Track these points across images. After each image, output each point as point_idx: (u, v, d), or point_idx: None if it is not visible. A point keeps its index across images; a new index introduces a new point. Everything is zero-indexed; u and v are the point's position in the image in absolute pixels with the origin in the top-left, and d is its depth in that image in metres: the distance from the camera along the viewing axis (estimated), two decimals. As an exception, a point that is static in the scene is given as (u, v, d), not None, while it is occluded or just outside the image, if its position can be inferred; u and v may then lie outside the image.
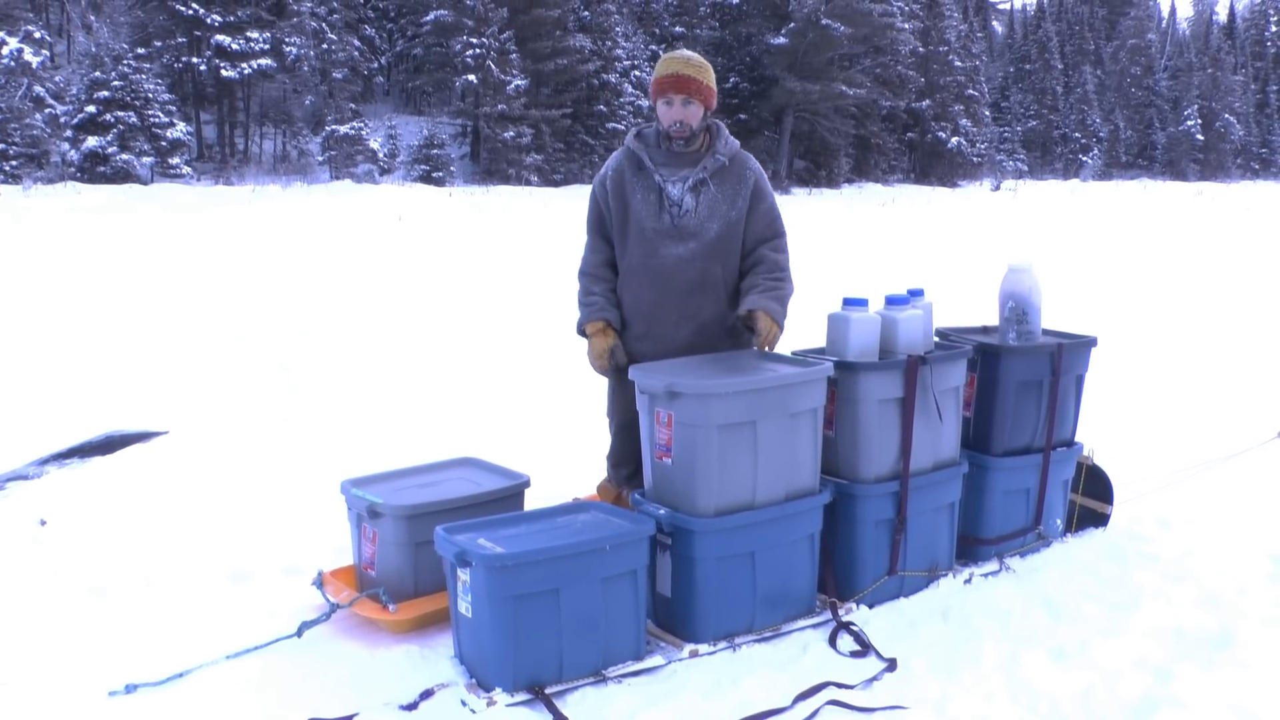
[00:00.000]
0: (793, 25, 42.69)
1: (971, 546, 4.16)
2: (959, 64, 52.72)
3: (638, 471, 3.85)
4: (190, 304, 10.45)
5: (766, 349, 3.77)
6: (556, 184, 35.55)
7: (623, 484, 4.14)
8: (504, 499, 3.78)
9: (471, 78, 34.06)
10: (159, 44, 31.42)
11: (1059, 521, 4.43)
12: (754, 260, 3.88)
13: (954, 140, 50.92)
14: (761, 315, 3.72)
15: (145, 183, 27.38)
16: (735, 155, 3.87)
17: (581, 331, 3.96)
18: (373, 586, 3.61)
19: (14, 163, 26.32)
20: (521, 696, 3.05)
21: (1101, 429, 5.20)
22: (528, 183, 34.22)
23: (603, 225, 3.95)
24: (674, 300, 3.83)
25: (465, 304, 10.82)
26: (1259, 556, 4.25)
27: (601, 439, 4.34)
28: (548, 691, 3.08)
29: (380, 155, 33.85)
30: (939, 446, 3.89)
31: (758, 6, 45.89)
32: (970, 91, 53.59)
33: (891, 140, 50.47)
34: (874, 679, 3.24)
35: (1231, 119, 69.59)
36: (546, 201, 27.30)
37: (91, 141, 27.47)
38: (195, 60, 32.05)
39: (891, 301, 3.91)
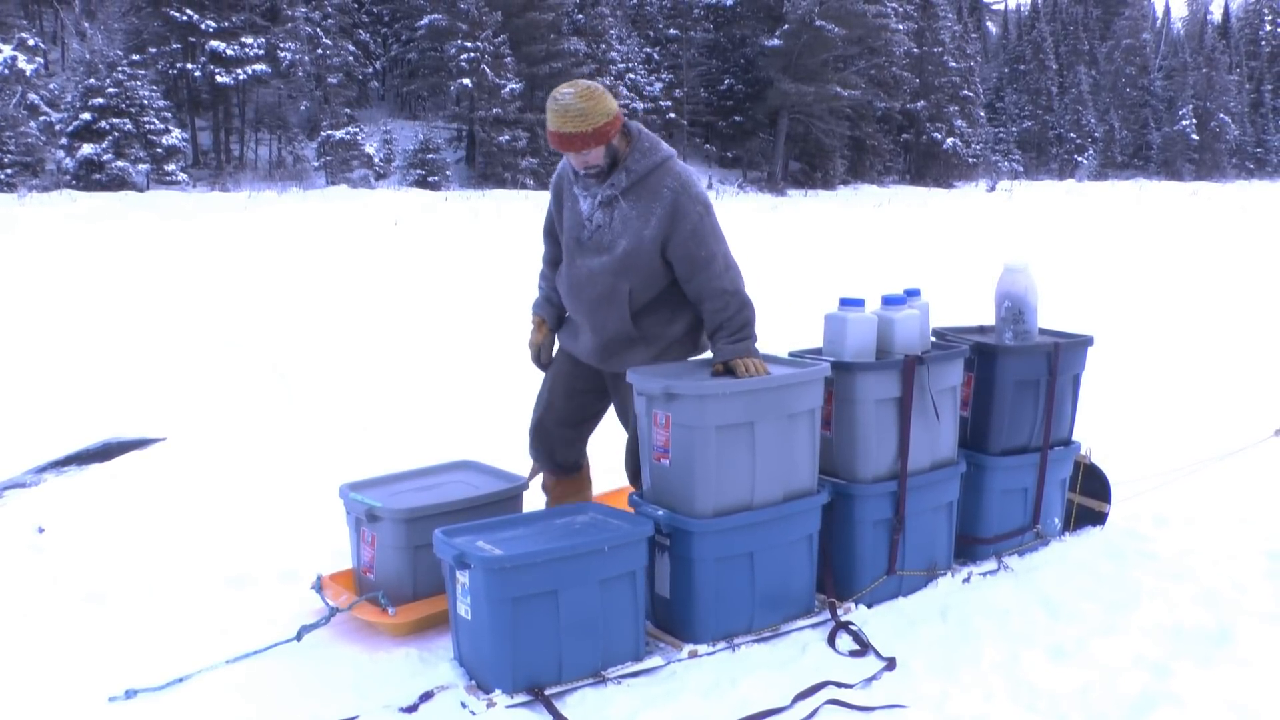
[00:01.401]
0: (787, 27, 42.74)
1: (970, 546, 4.17)
2: (954, 65, 52.79)
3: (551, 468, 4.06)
4: (187, 310, 10.44)
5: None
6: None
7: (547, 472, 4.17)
8: (502, 501, 3.79)
9: (466, 82, 34.07)
10: (153, 50, 31.40)
11: (1057, 520, 4.43)
12: (700, 300, 3.66)
13: (949, 141, 50.98)
14: (736, 364, 3.58)
15: (141, 189, 27.36)
16: (654, 170, 3.60)
17: None
18: (372, 590, 3.61)
19: (9, 171, 26.28)
20: (521, 698, 3.06)
21: (1099, 428, 5.21)
22: (523, 186, 34.23)
23: (550, 225, 3.95)
24: (584, 310, 3.77)
25: (461, 308, 10.82)
26: (1257, 554, 4.26)
27: (598, 442, 4.33)
28: (547, 693, 3.08)
29: (376, 160, 33.83)
30: (936, 446, 3.90)
31: (752, 8, 45.95)
32: (965, 92, 53.66)
33: (886, 141, 50.51)
34: (873, 678, 3.25)
35: (1226, 119, 69.67)
36: (542, 205, 27.17)
37: (87, 149, 27.44)
38: (190, 66, 32.06)
39: (888, 302, 3.92)
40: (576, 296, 3.77)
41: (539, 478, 4.21)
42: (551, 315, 3.98)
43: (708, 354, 3.80)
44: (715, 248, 3.62)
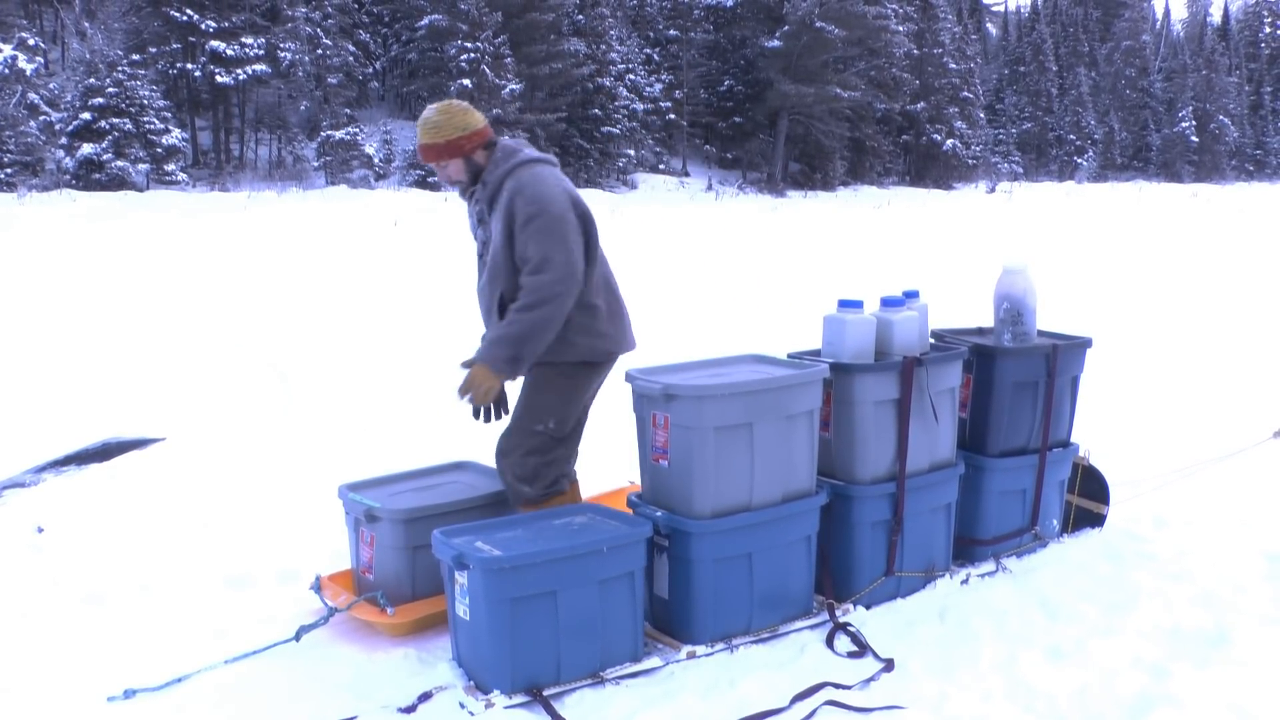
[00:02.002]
0: (787, 28, 42.78)
1: (968, 547, 4.17)
2: (953, 66, 52.83)
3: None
4: (186, 311, 10.45)
5: (465, 397, 3.59)
6: (552, 188, 35.49)
7: None
8: (501, 502, 3.79)
9: (466, 82, 34.06)
10: (154, 50, 31.42)
11: (1055, 522, 4.44)
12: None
13: (949, 143, 51.02)
14: (470, 375, 3.55)
15: (141, 189, 27.38)
16: (505, 176, 3.59)
17: None
18: (371, 590, 3.61)
19: (9, 170, 26.30)
20: (519, 699, 3.06)
21: (1097, 429, 5.21)
22: (523, 187, 34.16)
23: None
24: (483, 321, 3.81)
25: (461, 308, 10.80)
26: (1255, 556, 4.26)
27: (594, 441, 4.32)
28: (546, 693, 3.08)
29: (375, 160, 33.85)
30: (935, 448, 3.90)
31: (752, 9, 45.99)
32: (965, 94, 53.70)
33: (886, 143, 50.55)
34: (871, 679, 3.25)
35: (1226, 120, 69.73)
36: (542, 206, 27.13)
37: (87, 148, 27.46)
38: (190, 66, 32.07)
39: (887, 303, 3.92)
40: (481, 309, 3.79)
41: None
42: None
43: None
44: (545, 251, 3.47)
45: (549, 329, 3.50)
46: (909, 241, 21.69)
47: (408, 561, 3.58)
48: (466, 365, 3.63)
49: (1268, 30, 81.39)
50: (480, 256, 3.75)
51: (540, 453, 3.69)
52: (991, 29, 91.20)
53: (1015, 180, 57.10)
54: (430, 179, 32.88)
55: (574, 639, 3.15)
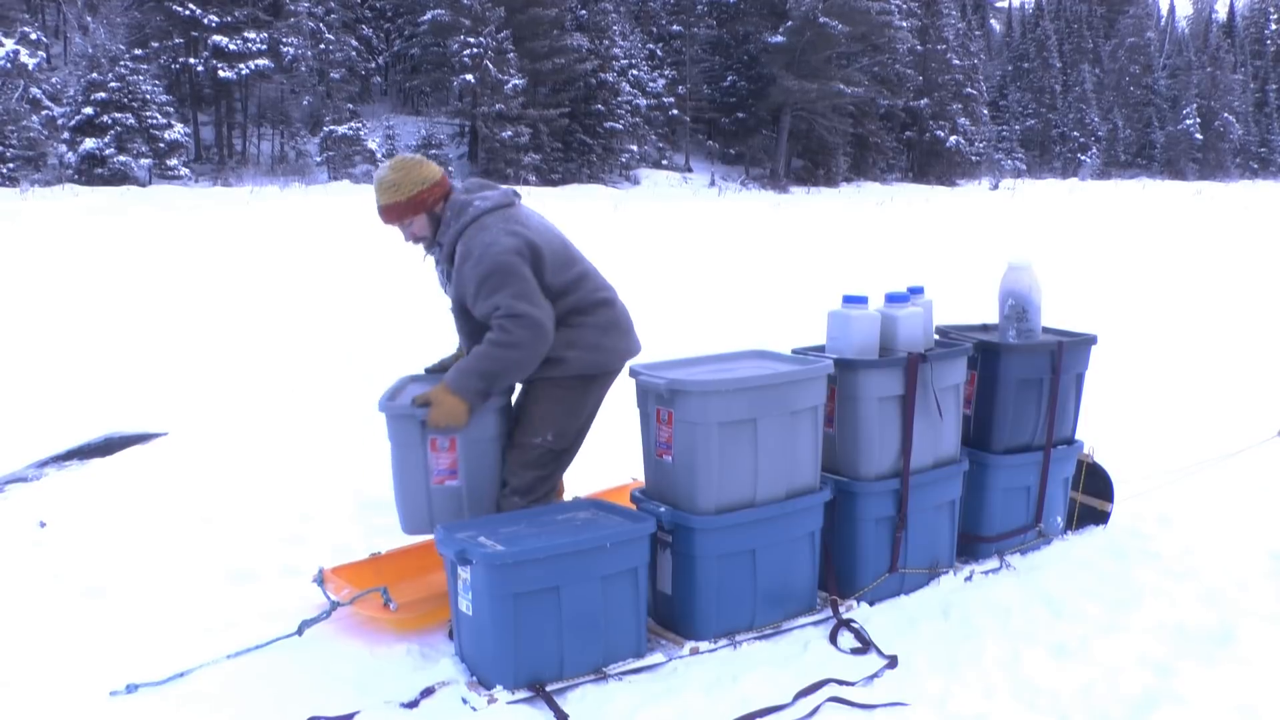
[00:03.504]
0: (790, 23, 42.75)
1: (972, 544, 4.16)
2: (957, 62, 52.76)
3: None
4: (189, 305, 10.45)
5: (422, 413, 3.47)
6: (554, 183, 35.57)
7: None
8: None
9: (469, 77, 34.07)
10: (156, 45, 31.42)
11: (1059, 519, 4.43)
12: None
13: (952, 139, 50.98)
14: (434, 398, 3.45)
15: (143, 184, 27.39)
16: (457, 238, 3.58)
17: None
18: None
19: (11, 165, 26.32)
20: (522, 694, 3.05)
21: (1102, 427, 5.20)
22: (525, 182, 34.23)
23: None
24: None
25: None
26: (1260, 553, 4.26)
27: (598, 436, 4.32)
28: (548, 689, 3.08)
29: (378, 155, 33.84)
30: (939, 444, 3.89)
31: (755, 5, 45.97)
32: (968, 90, 53.64)
33: (889, 139, 50.52)
34: (875, 676, 3.25)
35: (1230, 118, 69.64)
36: (544, 201, 27.31)
37: (89, 143, 27.48)
38: (192, 61, 32.07)
39: (891, 299, 3.92)
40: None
41: None
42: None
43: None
44: (507, 304, 3.46)
45: (521, 369, 3.53)
46: (912, 238, 21.68)
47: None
48: (431, 371, 3.82)
49: (1273, 27, 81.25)
50: (452, 311, 3.75)
51: (538, 466, 3.66)
52: (995, 25, 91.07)
53: (1018, 177, 57.06)
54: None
55: (577, 635, 3.14)
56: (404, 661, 3.34)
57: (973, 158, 52.72)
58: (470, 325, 3.66)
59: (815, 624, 3.59)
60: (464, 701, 3.04)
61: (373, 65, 40.97)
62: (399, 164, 3.61)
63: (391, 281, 12.50)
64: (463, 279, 3.54)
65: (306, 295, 11.28)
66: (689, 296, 11.44)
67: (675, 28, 46.16)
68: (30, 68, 28.25)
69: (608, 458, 4.70)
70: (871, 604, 3.73)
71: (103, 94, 28.00)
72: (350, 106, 35.28)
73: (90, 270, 12.73)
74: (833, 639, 3.48)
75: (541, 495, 3.69)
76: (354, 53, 37.27)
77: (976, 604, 3.75)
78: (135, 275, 12.45)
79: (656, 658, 3.31)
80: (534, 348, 3.49)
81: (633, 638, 3.29)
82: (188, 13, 31.06)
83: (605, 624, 3.20)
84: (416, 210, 3.59)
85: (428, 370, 3.91)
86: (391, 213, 3.60)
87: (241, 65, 31.69)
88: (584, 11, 39.98)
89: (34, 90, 28.52)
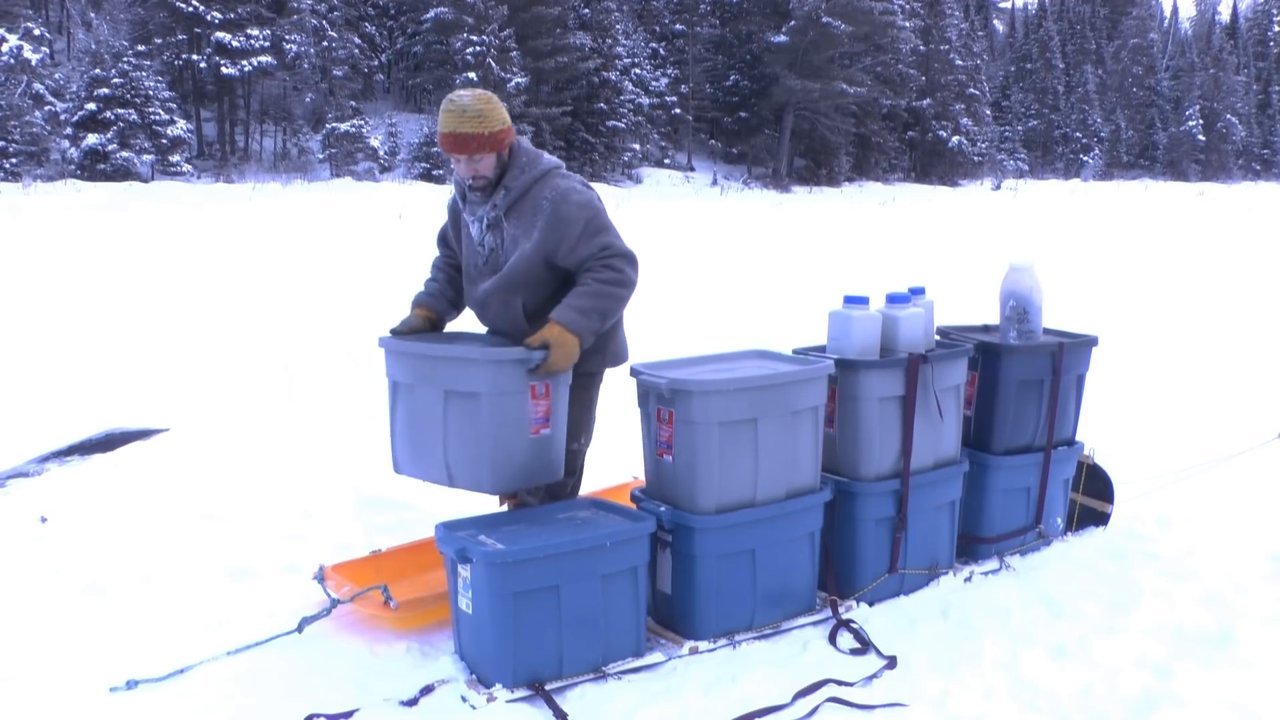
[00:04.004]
0: (793, 23, 42.75)
1: (972, 545, 4.17)
2: (960, 63, 52.75)
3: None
4: (190, 301, 10.46)
5: (539, 364, 3.32)
6: (557, 182, 35.51)
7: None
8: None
9: (472, 75, 34.05)
10: (159, 41, 31.45)
11: (1059, 520, 4.43)
12: (586, 270, 3.52)
13: (955, 139, 50.96)
14: (548, 328, 3.35)
15: (145, 180, 27.40)
16: (533, 183, 3.48)
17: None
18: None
19: (14, 160, 26.34)
20: (521, 693, 3.06)
21: (1102, 428, 5.20)
22: (528, 181, 34.19)
23: (449, 235, 3.79)
24: (489, 329, 3.69)
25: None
26: (1259, 556, 4.26)
27: (599, 435, 4.32)
28: (548, 688, 3.08)
29: (380, 153, 33.87)
30: (940, 445, 3.90)
31: (758, 4, 45.96)
32: (971, 90, 53.62)
33: (892, 139, 50.51)
34: (874, 676, 3.25)
35: (1233, 119, 69.59)
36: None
37: (92, 139, 27.50)
38: (195, 57, 32.09)
39: (892, 300, 3.92)
40: (480, 317, 3.70)
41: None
42: (440, 307, 3.77)
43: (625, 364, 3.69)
44: (616, 244, 3.48)
45: (622, 308, 3.52)
46: (914, 238, 21.67)
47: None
48: (399, 333, 3.64)
49: (1277, 29, 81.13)
50: (476, 266, 3.60)
51: (572, 471, 3.64)
52: (998, 26, 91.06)
53: (1021, 178, 57.03)
54: (435, 171, 32.90)
55: (576, 634, 3.15)
56: (404, 659, 3.34)
57: (975, 158, 52.70)
58: (523, 277, 3.48)
59: (815, 624, 3.59)
60: (463, 700, 3.04)
61: (375, 63, 41.00)
62: (484, 96, 3.41)
63: (393, 279, 12.50)
64: (559, 220, 3.42)
65: (307, 292, 11.28)
66: (690, 296, 11.44)
67: (678, 27, 46.16)
68: (34, 63, 28.26)
69: (608, 457, 4.70)
70: (871, 604, 3.73)
71: (106, 90, 28.01)
72: (353, 104, 35.30)
73: (92, 266, 12.73)
74: (832, 639, 3.48)
75: (568, 496, 3.70)
76: (357, 50, 37.28)
77: (976, 605, 3.75)
78: (137, 271, 12.46)
79: (656, 657, 3.31)
80: (635, 288, 3.52)
81: (632, 637, 3.29)
82: (191, 9, 31.07)
83: (605, 623, 3.20)
84: (492, 148, 3.40)
85: (394, 332, 3.66)
86: (470, 143, 3.36)
87: (244, 62, 31.70)
88: (587, 10, 39.98)
89: (37, 86, 28.54)
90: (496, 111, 3.41)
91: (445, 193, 28.36)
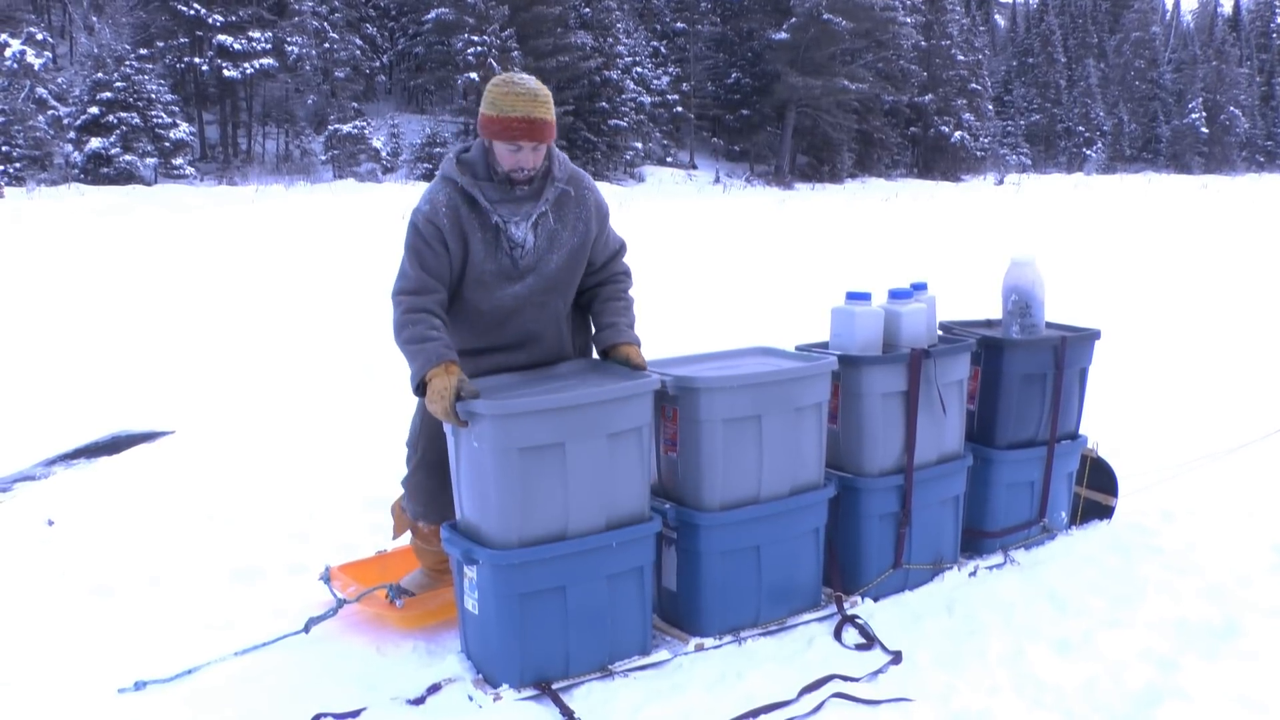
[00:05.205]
0: (794, 20, 42.71)
1: (976, 539, 4.17)
2: (961, 58, 52.66)
3: (446, 510, 3.37)
4: (195, 304, 10.47)
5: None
6: (559, 181, 35.52)
7: (420, 519, 3.57)
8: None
9: (473, 75, 34.06)
10: (161, 44, 31.48)
11: (1063, 514, 4.43)
12: (603, 283, 3.49)
13: (957, 134, 50.90)
14: (633, 350, 3.39)
15: (149, 184, 27.42)
16: (571, 176, 3.38)
17: (420, 385, 3.19)
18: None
19: (18, 165, 26.38)
20: (528, 692, 3.07)
21: (1106, 422, 5.21)
22: (530, 180, 34.21)
23: (435, 263, 3.23)
24: (514, 337, 3.38)
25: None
26: (1263, 548, 4.26)
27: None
28: (554, 687, 3.09)
29: (383, 154, 33.90)
30: (943, 440, 3.90)
31: (759, 1, 45.90)
32: (973, 85, 53.54)
33: (894, 135, 50.47)
34: (879, 672, 3.25)
35: (1236, 112, 69.43)
36: (549, 199, 27.14)
37: (95, 143, 27.53)
38: (197, 60, 32.12)
39: (895, 295, 3.92)
40: (503, 325, 3.36)
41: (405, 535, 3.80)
42: (455, 357, 3.20)
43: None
44: (621, 242, 3.58)
45: None
46: (917, 234, 21.65)
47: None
48: (618, 349, 3.42)
49: (1279, 21, 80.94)
50: (503, 270, 3.28)
51: None
52: (1000, 20, 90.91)
53: (1023, 172, 56.96)
54: (437, 172, 32.87)
55: (582, 633, 3.16)
56: (410, 659, 3.35)
57: (977, 153, 52.64)
58: (565, 277, 3.36)
59: (820, 620, 3.60)
60: (470, 699, 3.05)
61: (377, 64, 41.01)
62: (539, 82, 3.24)
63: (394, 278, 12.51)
64: (599, 210, 3.42)
65: (311, 293, 11.29)
66: (693, 293, 11.44)
67: (679, 25, 46.13)
68: (36, 68, 28.31)
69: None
70: (876, 600, 3.74)
71: (108, 94, 28.05)
72: (355, 105, 35.30)
73: (97, 269, 12.76)
74: (837, 635, 3.49)
75: None
76: (358, 51, 37.28)
77: (980, 599, 3.76)
78: (141, 274, 12.48)
79: (661, 655, 3.32)
80: None
81: (639, 635, 3.30)
82: (192, 12, 31.10)
83: (611, 622, 3.21)
84: (552, 135, 3.24)
85: (463, 396, 3.04)
86: (545, 130, 3.17)
87: (246, 64, 31.73)
88: (588, 9, 39.96)
89: (40, 90, 28.57)
90: (552, 101, 3.30)
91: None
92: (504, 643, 3.07)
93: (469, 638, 3.25)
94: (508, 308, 3.34)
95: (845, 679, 3.19)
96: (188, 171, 29.47)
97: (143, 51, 29.93)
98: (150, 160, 28.26)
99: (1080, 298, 9.59)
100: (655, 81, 42.23)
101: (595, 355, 3.56)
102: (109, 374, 7.34)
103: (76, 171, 27.49)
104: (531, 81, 3.22)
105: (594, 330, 3.53)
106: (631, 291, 3.56)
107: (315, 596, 3.70)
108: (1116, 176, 57.91)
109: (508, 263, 3.29)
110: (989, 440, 4.18)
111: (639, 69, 41.16)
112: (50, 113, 28.47)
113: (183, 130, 29.56)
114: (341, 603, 3.53)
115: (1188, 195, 41.60)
